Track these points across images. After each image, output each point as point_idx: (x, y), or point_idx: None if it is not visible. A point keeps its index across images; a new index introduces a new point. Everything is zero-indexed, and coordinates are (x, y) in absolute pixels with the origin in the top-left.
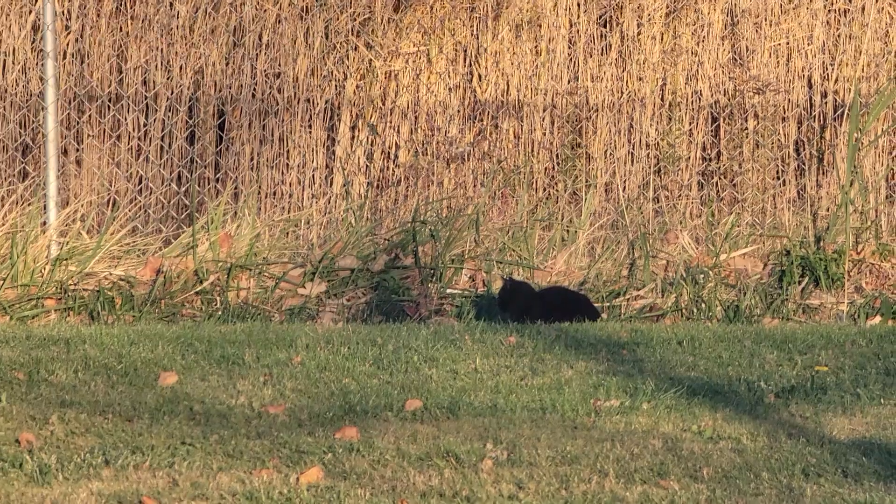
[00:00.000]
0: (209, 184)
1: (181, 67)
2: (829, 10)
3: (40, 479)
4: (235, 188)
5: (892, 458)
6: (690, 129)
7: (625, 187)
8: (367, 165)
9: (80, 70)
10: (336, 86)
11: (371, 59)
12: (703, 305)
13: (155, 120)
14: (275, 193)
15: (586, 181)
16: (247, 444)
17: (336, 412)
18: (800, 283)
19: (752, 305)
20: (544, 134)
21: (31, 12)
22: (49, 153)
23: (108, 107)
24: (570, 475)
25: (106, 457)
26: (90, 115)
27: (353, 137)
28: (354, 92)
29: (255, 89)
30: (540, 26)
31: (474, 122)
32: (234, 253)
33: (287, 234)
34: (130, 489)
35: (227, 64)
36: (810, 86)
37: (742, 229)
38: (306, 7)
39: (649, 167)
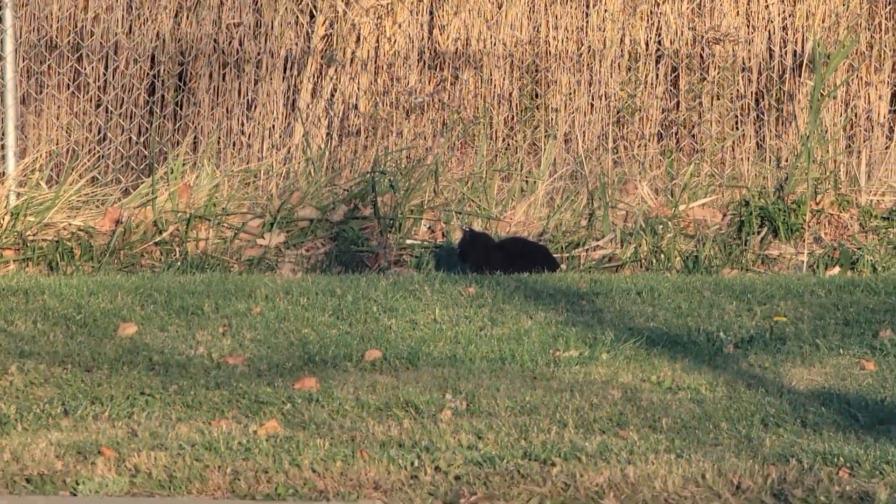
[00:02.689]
0: (169, 134)
1: (140, 17)
2: None
3: None
4: (195, 139)
5: (850, 408)
6: (650, 80)
7: (584, 138)
8: (327, 115)
9: (38, 20)
10: (298, 37)
11: (336, 9)
12: (662, 256)
13: (115, 70)
14: (234, 144)
15: (546, 132)
16: (206, 394)
17: (295, 362)
18: (759, 233)
19: (710, 256)
20: (504, 84)
21: None
22: (7, 103)
23: (68, 57)
24: (530, 425)
25: (65, 407)
26: (49, 66)
27: (313, 88)
28: (318, 42)
29: (216, 39)
30: None
31: (434, 73)
32: (194, 203)
33: (247, 184)
34: (90, 439)
35: (187, 14)
36: (770, 36)
37: (701, 180)
38: None
39: (609, 118)
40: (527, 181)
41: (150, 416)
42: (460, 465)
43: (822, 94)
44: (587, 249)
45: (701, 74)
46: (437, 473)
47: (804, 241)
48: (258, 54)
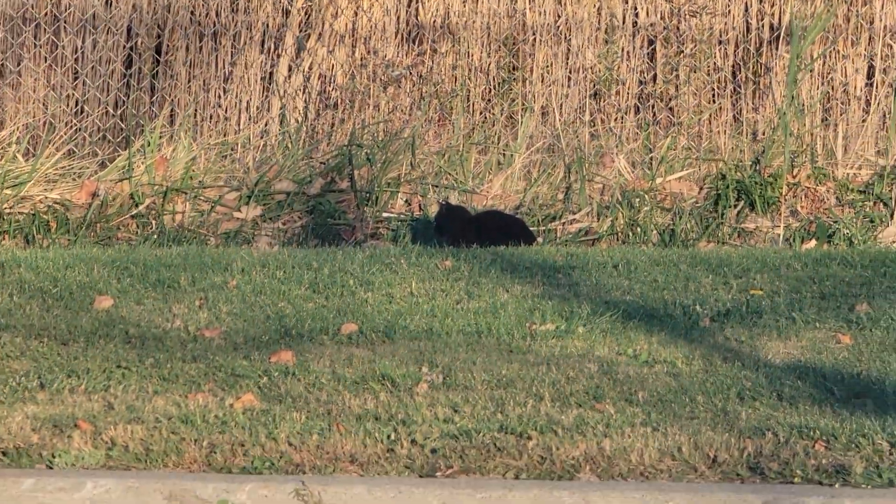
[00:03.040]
0: (146, 107)
1: None
2: None
3: None
4: (172, 112)
5: (826, 382)
6: (627, 53)
7: (561, 111)
8: (304, 88)
9: None
10: (276, 10)
11: None
12: (639, 229)
13: (92, 42)
14: (211, 117)
15: (523, 105)
16: (182, 367)
17: (271, 336)
18: (735, 206)
19: (687, 229)
20: (481, 57)
21: None
22: None
23: (45, 30)
24: (506, 399)
25: (41, 380)
26: (26, 38)
27: (290, 61)
28: (295, 14)
29: (193, 12)
30: None
31: (412, 45)
32: (170, 176)
33: (223, 157)
34: (66, 412)
35: None
36: (747, 8)
37: (678, 153)
38: None
39: (586, 91)
40: (504, 154)
41: (127, 389)
42: (437, 439)
43: (798, 67)
44: (564, 223)
45: (678, 47)
46: (413, 447)
47: (780, 214)
48: (235, 26)
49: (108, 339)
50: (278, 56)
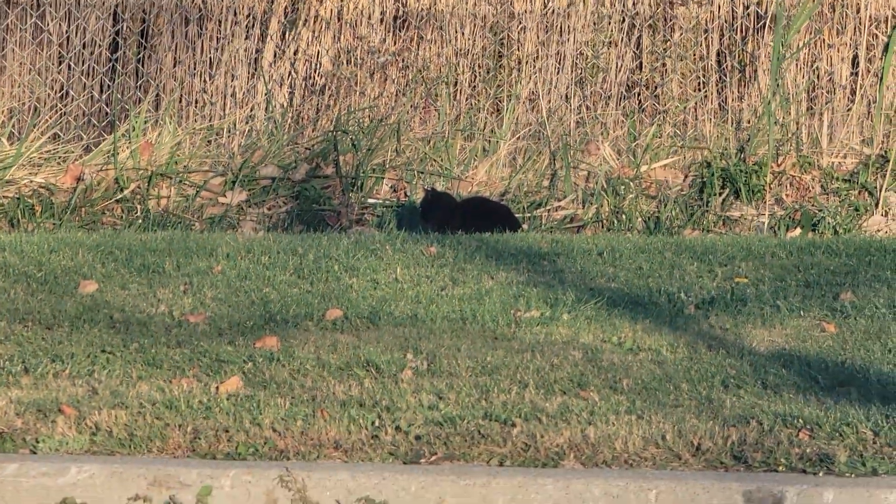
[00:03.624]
0: (131, 92)
1: None
2: None
3: None
4: (157, 96)
5: (811, 370)
6: (613, 41)
7: (547, 98)
8: (290, 74)
9: None
10: None
11: None
12: (624, 217)
13: (77, 27)
14: (197, 102)
15: (508, 92)
16: (167, 352)
17: (256, 321)
18: (720, 194)
19: (672, 217)
20: (467, 44)
21: None
22: None
23: (30, 13)
24: (491, 385)
25: (25, 365)
26: (10, 21)
27: (277, 46)
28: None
29: None
30: None
31: (398, 32)
32: (155, 161)
33: (209, 142)
34: (50, 397)
35: None
36: None
37: (663, 141)
38: None
39: (572, 78)
40: (489, 141)
41: (111, 374)
42: (421, 425)
43: (784, 56)
44: (549, 210)
45: (664, 35)
46: (397, 433)
47: (765, 202)
48: (221, 11)
49: (93, 324)
50: (264, 41)
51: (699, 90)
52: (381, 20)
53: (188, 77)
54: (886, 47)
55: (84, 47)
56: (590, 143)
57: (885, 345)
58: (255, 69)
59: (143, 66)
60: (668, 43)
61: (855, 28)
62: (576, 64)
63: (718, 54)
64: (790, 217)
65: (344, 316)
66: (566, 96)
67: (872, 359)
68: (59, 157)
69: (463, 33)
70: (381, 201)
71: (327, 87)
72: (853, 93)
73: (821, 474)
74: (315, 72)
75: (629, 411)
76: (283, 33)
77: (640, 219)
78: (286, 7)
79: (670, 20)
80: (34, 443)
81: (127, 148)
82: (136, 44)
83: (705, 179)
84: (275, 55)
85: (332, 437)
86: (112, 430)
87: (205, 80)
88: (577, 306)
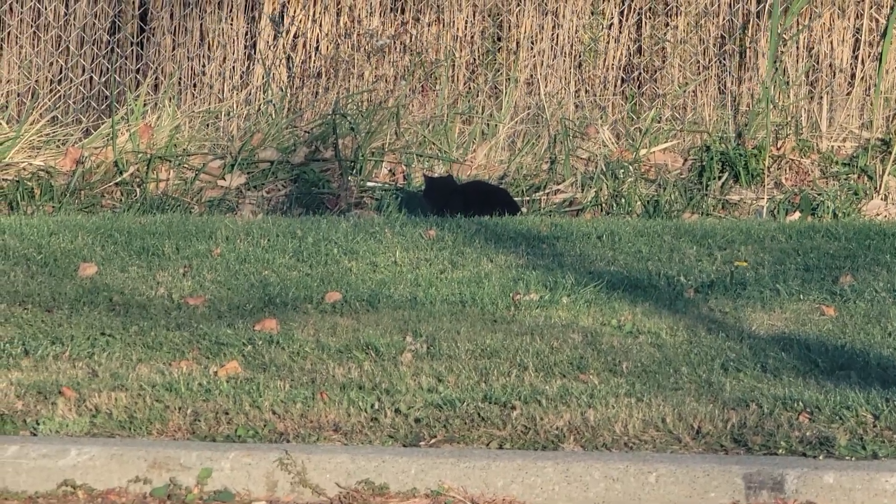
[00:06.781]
0: (130, 74)
1: None
2: None
3: None
4: (156, 79)
5: (810, 354)
6: (613, 24)
7: (546, 81)
8: (288, 57)
9: None
10: None
11: None
12: (623, 200)
13: (76, 9)
14: (196, 85)
15: (507, 75)
16: (166, 335)
17: (256, 304)
18: (719, 178)
19: (671, 200)
20: (466, 27)
21: None
22: None
23: None
24: (490, 368)
25: (25, 347)
26: (10, 4)
27: (274, 29)
28: None
29: None
30: None
31: (396, 15)
32: (154, 144)
33: (207, 125)
34: (50, 379)
35: None
36: None
37: (662, 124)
38: None
39: (571, 61)
40: (488, 125)
41: (111, 356)
42: (420, 408)
43: (784, 40)
44: (548, 193)
45: (664, 19)
46: (397, 416)
47: (765, 186)
48: None
49: (93, 307)
50: (262, 24)
51: (699, 74)
52: (380, 2)
53: (187, 60)
54: (885, 31)
55: (84, 30)
56: (589, 127)
57: (885, 328)
58: (254, 52)
59: (142, 48)
60: (668, 27)
61: (855, 12)
62: (574, 47)
63: (719, 38)
64: (789, 201)
65: (343, 299)
66: (565, 80)
67: (872, 342)
68: (59, 140)
69: (461, 15)
70: (380, 184)
71: (325, 71)
72: (853, 76)
73: (821, 457)
74: (313, 54)
75: (629, 394)
76: (282, 16)
77: (639, 202)
78: None
79: (671, 3)
80: (35, 425)
81: (126, 131)
82: (135, 26)
83: (704, 163)
84: (273, 37)
85: (331, 420)
86: (112, 413)
87: (203, 63)
88: (576, 289)
